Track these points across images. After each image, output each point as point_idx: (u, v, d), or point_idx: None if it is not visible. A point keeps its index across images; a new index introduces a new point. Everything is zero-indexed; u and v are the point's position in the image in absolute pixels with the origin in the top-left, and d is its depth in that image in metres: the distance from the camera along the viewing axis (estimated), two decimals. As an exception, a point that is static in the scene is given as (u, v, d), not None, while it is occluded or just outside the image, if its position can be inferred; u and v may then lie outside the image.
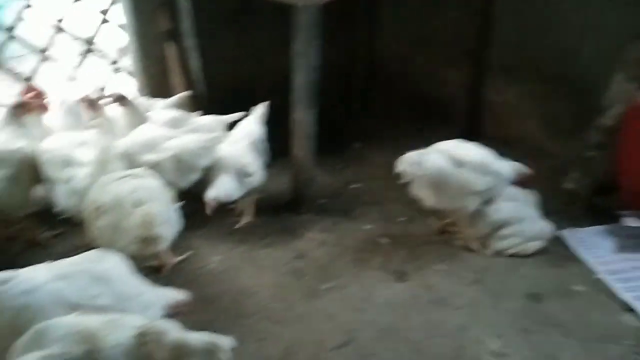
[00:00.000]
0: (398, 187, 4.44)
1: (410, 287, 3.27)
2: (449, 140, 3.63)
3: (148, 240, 2.81)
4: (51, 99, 3.72)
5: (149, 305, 2.44)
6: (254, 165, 3.81)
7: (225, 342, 2.01)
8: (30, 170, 3.38)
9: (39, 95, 3.67)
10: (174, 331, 2.00)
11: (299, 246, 3.70)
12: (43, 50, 4.49)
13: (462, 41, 4.97)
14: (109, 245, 2.79)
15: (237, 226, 3.91)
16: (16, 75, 4.40)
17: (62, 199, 3.25)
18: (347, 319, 2.99)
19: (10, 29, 4.57)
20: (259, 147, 4.01)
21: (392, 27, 5.59)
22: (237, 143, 3.88)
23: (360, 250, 3.63)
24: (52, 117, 3.81)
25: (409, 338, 2.85)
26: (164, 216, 2.94)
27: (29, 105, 3.43)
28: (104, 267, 2.38)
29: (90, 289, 2.27)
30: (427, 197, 3.55)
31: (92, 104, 3.76)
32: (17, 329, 2.04)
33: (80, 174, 3.19)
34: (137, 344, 1.89)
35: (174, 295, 2.61)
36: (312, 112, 3.65)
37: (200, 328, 2.86)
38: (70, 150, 3.31)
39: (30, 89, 3.73)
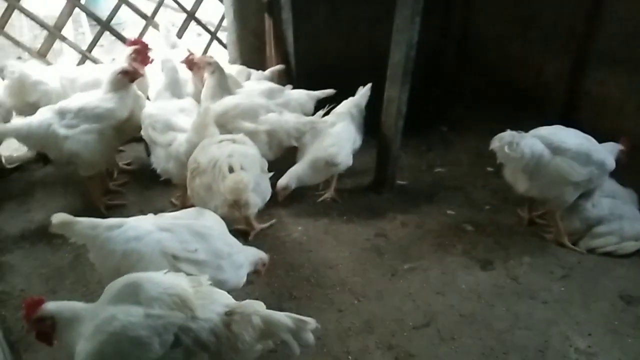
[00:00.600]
0: (484, 174, 4.35)
1: (495, 277, 3.18)
2: (548, 126, 3.46)
3: (237, 204, 2.85)
4: (154, 58, 3.89)
5: (240, 265, 2.55)
6: (342, 155, 3.73)
7: (310, 321, 2.00)
8: (117, 132, 3.62)
9: (144, 49, 3.86)
10: (261, 311, 2.00)
11: (380, 225, 3.69)
12: (149, 17, 4.69)
13: (565, 25, 4.68)
14: (202, 204, 2.92)
15: (319, 200, 3.97)
16: (123, 39, 4.64)
17: (162, 161, 3.43)
18: (428, 301, 2.96)
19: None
20: (355, 132, 3.95)
21: (489, 6, 5.36)
22: (330, 128, 3.84)
23: (443, 235, 3.57)
24: (153, 78, 4.01)
25: (491, 326, 2.79)
26: (255, 184, 2.97)
27: (134, 73, 3.60)
28: (203, 224, 2.50)
29: (190, 243, 2.40)
30: (519, 182, 3.41)
31: (192, 64, 3.91)
32: (123, 270, 2.21)
33: (180, 139, 3.33)
34: (225, 323, 1.94)
35: (259, 253, 2.71)
36: (406, 90, 3.58)
37: (282, 294, 3.00)
38: (171, 116, 3.47)
39: (135, 41, 3.89)
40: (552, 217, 3.50)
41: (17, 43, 4.36)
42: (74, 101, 3.56)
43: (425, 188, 4.18)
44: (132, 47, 3.81)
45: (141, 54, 3.82)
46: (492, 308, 2.93)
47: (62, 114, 3.47)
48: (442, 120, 5.20)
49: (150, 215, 2.54)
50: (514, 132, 3.29)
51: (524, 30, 5.13)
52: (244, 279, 2.59)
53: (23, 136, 3.43)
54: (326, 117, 3.95)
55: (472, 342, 2.68)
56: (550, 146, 3.27)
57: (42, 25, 4.40)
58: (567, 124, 3.51)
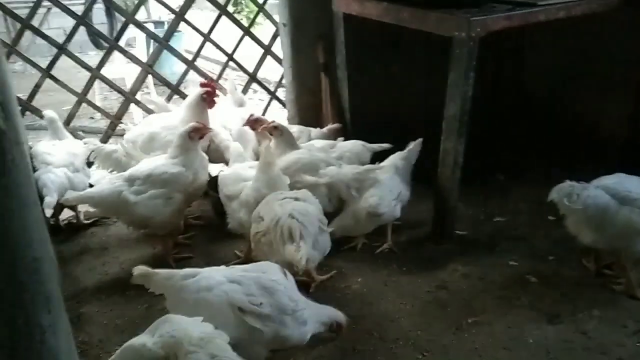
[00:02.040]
0: (545, 223, 4.26)
1: (564, 331, 3.08)
2: (611, 175, 3.40)
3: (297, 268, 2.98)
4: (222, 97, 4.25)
5: (304, 321, 2.61)
6: (383, 205, 3.78)
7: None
8: (184, 194, 3.81)
9: (214, 90, 4.21)
10: None
11: (440, 276, 3.68)
12: (215, 80, 5.07)
13: (622, 74, 4.65)
14: (265, 258, 3.07)
15: (377, 251, 4.00)
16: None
17: (236, 213, 3.64)
18: (496, 356, 2.90)
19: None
20: (400, 183, 4.00)
21: (541, 57, 5.41)
22: (374, 180, 3.90)
23: (506, 287, 3.51)
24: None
25: (563, 384, 2.70)
26: (314, 241, 3.08)
27: (201, 130, 3.88)
28: (271, 278, 2.61)
29: (256, 297, 2.51)
30: (584, 234, 3.33)
31: (255, 124, 4.17)
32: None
33: (248, 185, 3.59)
34: None
35: (335, 315, 2.77)
36: (462, 142, 3.65)
37: (345, 348, 3.03)
38: (242, 171, 3.72)
39: (207, 84, 4.24)
40: (622, 268, 3.38)
41: (97, 109, 4.78)
42: (142, 167, 3.80)
43: (486, 238, 4.14)
44: (204, 89, 4.14)
45: (211, 95, 4.14)
46: (562, 365, 2.84)
47: (131, 180, 3.71)
48: (500, 168, 5.18)
49: (223, 267, 2.68)
50: (573, 183, 3.25)
51: (579, 78, 5.12)
52: (308, 336, 2.63)
53: (95, 203, 3.73)
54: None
55: (544, 401, 2.60)
56: (617, 196, 3.21)
57: (119, 91, 4.82)
58: (629, 169, 3.45)
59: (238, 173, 3.72)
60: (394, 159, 4.15)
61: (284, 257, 2.95)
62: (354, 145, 4.29)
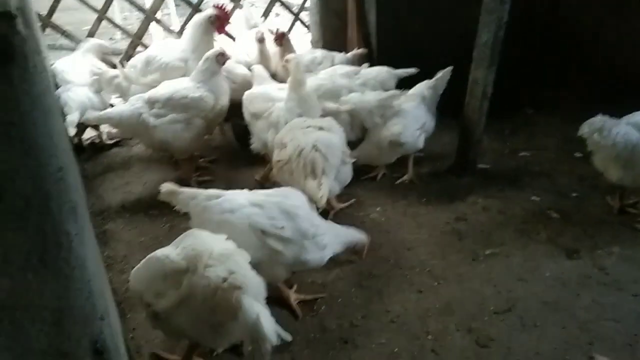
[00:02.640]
0: (572, 159, 4.18)
1: (582, 266, 3.08)
2: None
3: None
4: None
5: (324, 246, 2.64)
6: (407, 135, 3.70)
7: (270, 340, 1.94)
8: (205, 119, 3.74)
9: (224, 17, 4.08)
10: (244, 298, 1.98)
11: (460, 208, 3.67)
12: None
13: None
14: (285, 184, 3.06)
15: (397, 182, 4.00)
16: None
17: (262, 133, 3.65)
18: (510, 287, 2.93)
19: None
20: (425, 114, 3.91)
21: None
22: (398, 108, 3.80)
23: (526, 221, 3.49)
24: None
25: (577, 316, 2.73)
26: (335, 172, 3.06)
27: (225, 56, 3.77)
28: (293, 203, 2.62)
29: (278, 220, 2.53)
30: (611, 171, 3.27)
31: (282, 39, 4.09)
32: None
33: (278, 105, 3.58)
34: (214, 289, 1.99)
35: (357, 236, 2.81)
36: (493, 72, 3.51)
37: (362, 272, 3.09)
38: (270, 91, 3.69)
39: (219, 7, 4.09)
40: (647, 207, 3.33)
41: (118, 27, 4.67)
42: (163, 89, 3.69)
43: (509, 172, 4.09)
44: (214, 10, 4.03)
45: (221, 20, 4.03)
46: (577, 297, 2.85)
47: (151, 103, 3.62)
48: (529, 102, 5.02)
49: (246, 190, 2.70)
50: (605, 118, 3.14)
51: (623, 7, 4.81)
52: (326, 259, 2.69)
53: (115, 123, 3.70)
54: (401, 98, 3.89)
55: (555, 330, 2.64)
56: None
57: (141, 9, 4.68)
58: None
59: (267, 92, 3.67)
60: (421, 87, 4.02)
61: (304, 189, 2.93)
62: (379, 71, 4.15)
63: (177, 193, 2.60)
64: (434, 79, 4.05)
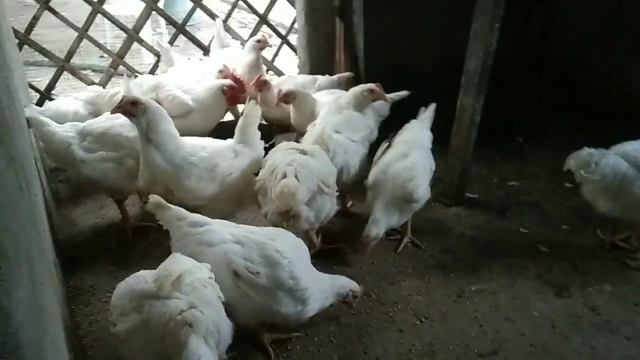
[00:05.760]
0: (562, 190, 4.05)
1: (571, 305, 2.94)
2: (633, 142, 3.16)
3: (287, 214, 2.73)
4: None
5: (303, 301, 2.43)
6: (422, 188, 3.19)
7: None
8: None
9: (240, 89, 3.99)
10: (198, 336, 1.86)
11: (447, 240, 3.52)
12: (223, 20, 4.81)
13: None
14: (261, 206, 2.96)
15: (398, 250, 3.44)
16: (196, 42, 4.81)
17: None
18: (497, 327, 2.78)
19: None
20: (429, 158, 3.41)
21: (573, 13, 5.03)
22: (404, 156, 3.25)
23: (515, 255, 3.35)
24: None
25: (566, 360, 2.58)
26: (310, 198, 2.84)
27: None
28: (276, 248, 2.41)
29: (255, 264, 2.36)
30: (600, 202, 3.14)
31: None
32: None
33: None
34: (168, 319, 1.89)
35: (349, 284, 2.63)
36: (481, 99, 3.41)
37: (341, 307, 2.88)
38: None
39: (233, 78, 4.02)
40: (639, 242, 3.19)
41: (98, 45, 4.56)
42: (99, 122, 3.37)
43: (498, 203, 3.96)
44: (225, 81, 3.93)
45: (234, 91, 3.93)
46: (566, 340, 2.70)
47: (84, 134, 3.29)
48: (519, 130, 4.91)
49: (233, 224, 2.57)
50: (592, 151, 3.04)
51: (612, 39, 4.77)
52: (307, 315, 2.49)
53: (45, 141, 3.26)
54: (395, 147, 3.36)
55: (543, 377, 2.49)
56: (636, 164, 2.99)
57: (122, 28, 4.58)
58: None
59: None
60: (416, 132, 3.48)
61: (276, 199, 2.71)
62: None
63: (165, 208, 2.49)
64: (425, 120, 3.63)
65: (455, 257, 3.36)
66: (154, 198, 2.51)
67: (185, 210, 2.54)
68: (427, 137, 3.51)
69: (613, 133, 3.31)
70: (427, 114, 3.66)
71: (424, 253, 3.40)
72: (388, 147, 3.40)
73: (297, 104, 3.94)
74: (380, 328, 2.79)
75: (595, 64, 4.96)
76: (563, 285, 3.08)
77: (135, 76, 4.39)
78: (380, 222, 3.06)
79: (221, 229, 2.48)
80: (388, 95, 3.88)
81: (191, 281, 2.03)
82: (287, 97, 3.92)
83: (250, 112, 3.23)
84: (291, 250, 2.46)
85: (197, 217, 2.52)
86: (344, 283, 2.63)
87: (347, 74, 4.52)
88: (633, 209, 3.06)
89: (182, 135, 3.13)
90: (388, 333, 2.75)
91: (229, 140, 3.27)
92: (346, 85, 4.49)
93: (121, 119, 3.22)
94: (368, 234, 3.03)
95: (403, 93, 3.98)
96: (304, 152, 3.00)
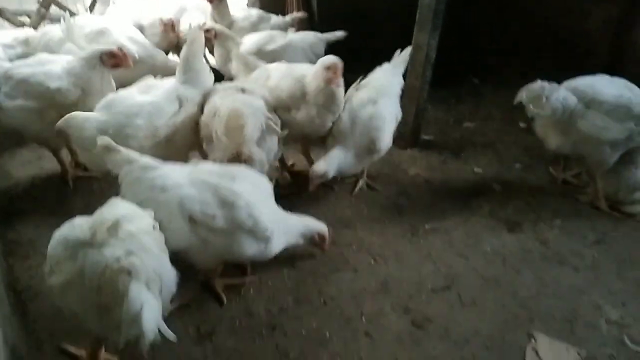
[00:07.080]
0: (516, 130, 4.07)
1: (523, 240, 2.98)
2: (589, 76, 3.14)
3: (239, 156, 2.58)
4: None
5: (266, 239, 2.34)
6: (387, 139, 3.10)
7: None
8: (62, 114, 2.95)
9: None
10: (139, 283, 1.74)
11: (402, 182, 3.49)
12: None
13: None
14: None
15: (353, 193, 3.39)
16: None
17: None
18: (450, 264, 2.79)
19: None
20: (397, 106, 3.27)
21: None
22: (370, 103, 3.09)
23: (469, 194, 3.36)
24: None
25: (517, 293, 2.61)
26: (258, 138, 2.70)
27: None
28: (233, 190, 2.28)
29: (211, 207, 2.24)
30: (550, 138, 3.15)
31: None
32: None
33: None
34: (104, 268, 1.76)
35: (316, 227, 2.57)
36: (436, 36, 3.30)
37: (294, 254, 2.83)
38: None
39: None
40: (590, 178, 3.23)
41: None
42: (24, 67, 3.06)
43: (452, 144, 3.94)
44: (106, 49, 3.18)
45: (113, 60, 3.16)
46: (518, 273, 2.74)
47: (6, 78, 3.01)
48: (475, 71, 4.87)
49: (191, 165, 2.43)
50: (544, 84, 3.00)
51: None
52: (273, 252, 2.41)
53: None
54: (364, 91, 3.18)
55: (494, 308, 2.52)
56: (584, 99, 2.98)
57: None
58: (613, 75, 3.19)
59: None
60: (388, 79, 3.27)
61: (224, 141, 2.58)
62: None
63: (114, 150, 2.31)
64: (398, 65, 3.37)
65: (410, 198, 3.34)
66: (102, 140, 2.32)
67: (136, 152, 2.36)
68: (398, 83, 3.32)
69: (570, 73, 3.28)
70: (400, 59, 3.39)
71: (380, 195, 3.37)
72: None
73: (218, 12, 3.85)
74: (335, 269, 2.75)
75: (552, 4, 4.90)
76: (515, 222, 3.11)
77: (73, 15, 4.02)
78: (333, 162, 2.99)
79: (175, 173, 2.32)
80: (322, 35, 3.84)
81: (130, 228, 1.89)
82: (209, 33, 3.65)
83: (195, 39, 2.94)
84: (251, 189, 2.35)
85: (149, 161, 2.34)
86: (309, 224, 2.57)
87: (299, 13, 4.32)
88: (580, 146, 3.07)
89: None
90: (342, 273, 2.71)
91: (171, 82, 3.03)
92: (298, 26, 4.29)
93: (49, 66, 2.95)
94: (316, 169, 2.96)
95: (339, 34, 3.89)
96: (242, 90, 2.84)
